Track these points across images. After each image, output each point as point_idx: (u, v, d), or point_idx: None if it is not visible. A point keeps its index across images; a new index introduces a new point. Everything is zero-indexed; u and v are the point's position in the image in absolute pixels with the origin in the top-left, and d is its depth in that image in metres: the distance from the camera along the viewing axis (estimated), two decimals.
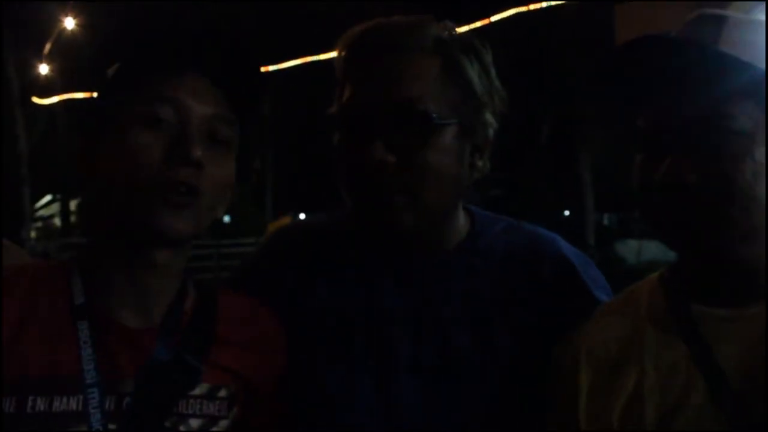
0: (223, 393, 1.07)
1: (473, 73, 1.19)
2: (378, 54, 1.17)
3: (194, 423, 1.04)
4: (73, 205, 21.16)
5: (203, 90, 1.04)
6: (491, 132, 1.23)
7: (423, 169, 1.14)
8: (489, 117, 1.22)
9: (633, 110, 1.08)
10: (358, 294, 1.22)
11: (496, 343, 1.19)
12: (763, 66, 0.99)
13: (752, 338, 1.00)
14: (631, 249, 20.27)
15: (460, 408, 1.17)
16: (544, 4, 12.13)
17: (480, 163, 1.23)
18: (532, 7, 11.95)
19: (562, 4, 12.77)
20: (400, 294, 1.21)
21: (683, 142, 1.00)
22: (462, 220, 1.27)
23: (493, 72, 1.24)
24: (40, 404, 0.97)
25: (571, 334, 1.15)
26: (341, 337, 1.20)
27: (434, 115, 1.14)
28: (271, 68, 12.84)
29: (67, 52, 15.73)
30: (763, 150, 0.98)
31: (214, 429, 1.05)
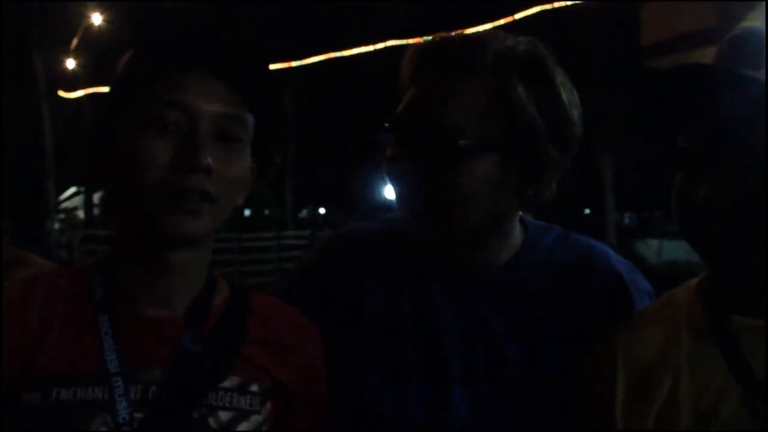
0: (254, 388, 1.05)
1: (528, 99, 1.13)
2: (429, 73, 1.16)
3: (224, 415, 1.02)
4: (96, 197, 21.39)
5: (210, 89, 1.00)
6: (552, 163, 1.16)
7: (447, 195, 1.14)
8: (548, 147, 1.15)
9: (672, 130, 1.09)
10: (412, 305, 1.22)
11: (546, 356, 1.20)
12: None
13: None
14: (651, 248, 20.09)
15: (509, 420, 1.18)
16: (569, 2, 12.04)
17: (531, 192, 1.18)
18: (556, 4, 11.86)
19: (587, 3, 12.67)
20: (452, 308, 1.21)
21: (721, 167, 1.02)
22: (517, 235, 1.26)
23: (563, 96, 1.16)
24: (65, 395, 0.97)
25: (609, 339, 1.17)
26: (393, 347, 1.21)
27: (466, 142, 1.12)
28: (294, 64, 12.87)
29: (93, 46, 15.91)
30: None
31: (245, 423, 1.03)
